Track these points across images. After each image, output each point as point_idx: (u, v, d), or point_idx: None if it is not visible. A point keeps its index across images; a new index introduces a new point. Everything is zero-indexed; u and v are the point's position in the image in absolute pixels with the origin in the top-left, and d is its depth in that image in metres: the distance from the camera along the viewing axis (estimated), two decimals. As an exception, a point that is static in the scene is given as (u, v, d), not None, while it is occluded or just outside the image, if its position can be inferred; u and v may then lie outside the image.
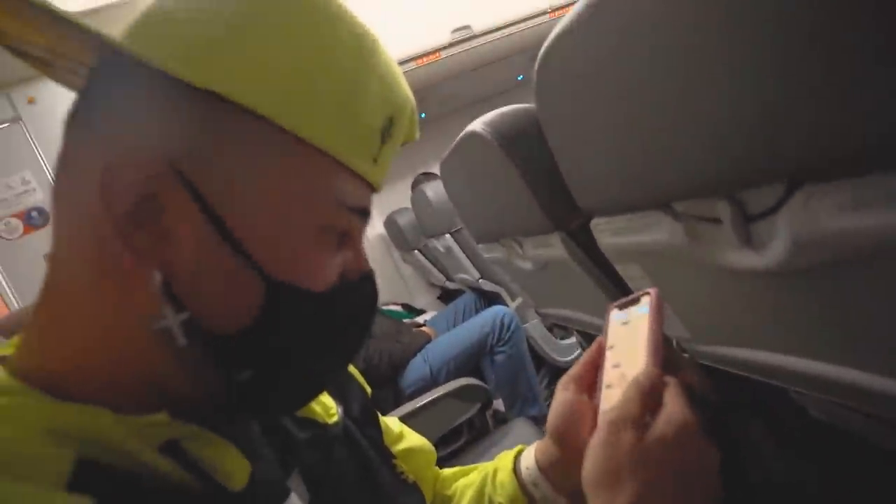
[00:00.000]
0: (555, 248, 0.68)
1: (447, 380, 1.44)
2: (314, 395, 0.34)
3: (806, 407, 0.58)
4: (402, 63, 2.15)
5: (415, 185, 2.69)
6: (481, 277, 1.84)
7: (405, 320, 2.11)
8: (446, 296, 2.95)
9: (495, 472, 0.48)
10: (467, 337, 1.60)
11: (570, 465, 0.38)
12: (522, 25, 2.25)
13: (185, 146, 0.25)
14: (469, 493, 0.49)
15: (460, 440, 1.24)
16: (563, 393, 0.38)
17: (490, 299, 1.97)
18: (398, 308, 2.60)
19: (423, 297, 3.14)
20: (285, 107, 0.25)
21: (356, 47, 0.28)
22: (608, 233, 0.54)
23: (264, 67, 0.25)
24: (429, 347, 1.62)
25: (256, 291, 0.26)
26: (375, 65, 0.29)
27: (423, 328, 1.87)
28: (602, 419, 0.32)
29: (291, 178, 0.26)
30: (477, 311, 1.91)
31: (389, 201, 2.91)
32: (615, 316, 0.40)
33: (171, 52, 0.24)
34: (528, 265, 0.84)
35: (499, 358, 1.60)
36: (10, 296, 1.79)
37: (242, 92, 0.24)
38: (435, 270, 2.49)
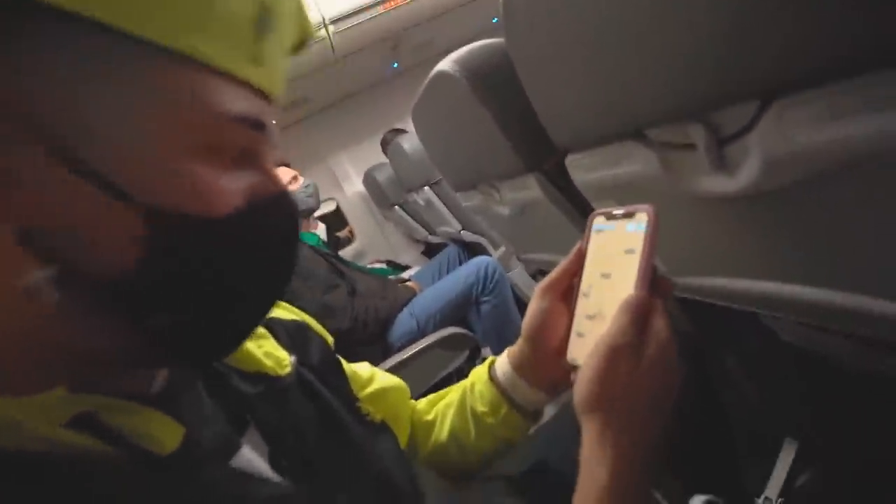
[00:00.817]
0: (531, 190, 0.66)
1: (434, 332, 1.46)
2: (241, 335, 0.31)
3: (777, 332, 0.59)
4: (368, 8, 2.04)
5: (384, 143, 2.61)
6: (463, 229, 1.83)
7: (390, 277, 2.11)
8: (430, 250, 2.95)
9: (472, 385, 0.49)
10: (452, 289, 1.61)
11: (545, 363, 0.42)
12: (494, -38, 2.13)
13: (19, 72, 0.21)
14: (451, 411, 0.50)
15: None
16: (540, 300, 0.39)
17: (473, 250, 1.97)
18: (382, 265, 2.60)
19: (407, 254, 3.13)
20: (130, 11, 0.22)
21: None
22: (583, 169, 0.53)
23: None
24: (414, 301, 1.63)
25: (135, 226, 0.23)
26: None
27: (409, 283, 1.87)
28: (600, 346, 0.32)
29: (152, 92, 0.23)
30: (461, 263, 1.92)
31: (368, 159, 2.85)
32: (599, 225, 0.39)
33: None
34: (506, 210, 0.83)
35: (484, 308, 1.62)
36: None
37: (82, 2, 0.21)
38: (417, 225, 2.48)
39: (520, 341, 0.44)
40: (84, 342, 0.25)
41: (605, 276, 0.36)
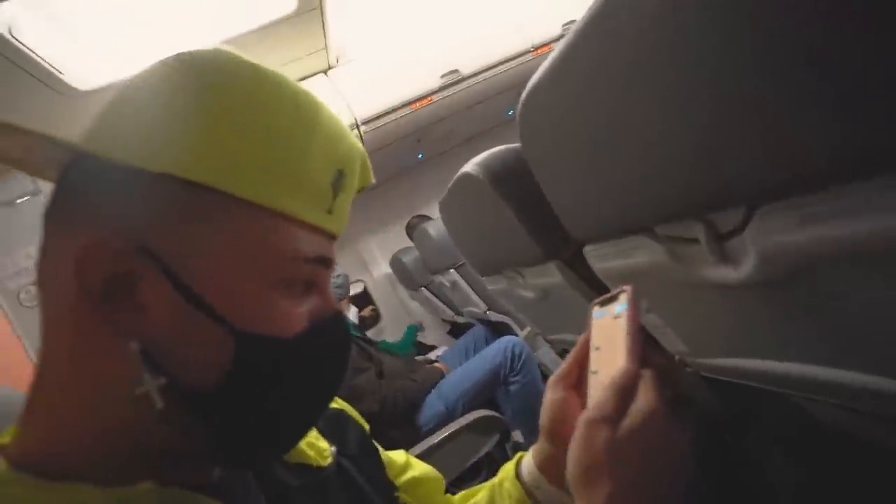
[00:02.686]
0: (553, 276, 0.71)
1: (463, 414, 1.44)
2: (298, 437, 0.35)
3: (814, 414, 0.59)
4: (397, 109, 2.25)
5: (409, 228, 2.74)
6: (489, 309, 1.86)
7: (417, 357, 2.11)
8: (456, 330, 2.95)
9: (500, 482, 0.49)
10: (479, 369, 1.60)
11: (565, 461, 0.40)
12: (508, 65, 2.37)
13: (149, 225, 0.28)
14: None
15: (481, 475, 1.23)
16: (552, 392, 0.40)
17: (499, 330, 1.98)
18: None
19: (433, 334, 3.14)
20: (234, 177, 0.28)
21: (296, 112, 0.31)
22: (600, 258, 0.58)
23: (211, 144, 0.28)
24: (442, 383, 1.62)
25: (227, 347, 0.28)
26: (317, 124, 0.31)
27: (436, 364, 1.87)
28: (579, 419, 0.33)
29: (249, 240, 0.29)
30: (487, 343, 1.92)
31: (395, 242, 2.97)
32: (596, 314, 0.41)
33: (127, 145, 0.28)
34: (530, 294, 0.86)
35: (513, 388, 1.60)
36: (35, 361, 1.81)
37: (193, 170, 0.27)
38: (443, 306, 2.51)
39: (540, 438, 0.44)
40: (172, 442, 0.30)
41: (606, 360, 0.38)
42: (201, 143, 0.28)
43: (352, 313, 2.40)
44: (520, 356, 1.61)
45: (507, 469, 0.50)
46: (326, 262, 0.33)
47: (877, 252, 0.28)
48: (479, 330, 2.16)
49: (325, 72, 2.21)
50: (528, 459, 0.47)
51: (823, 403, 0.55)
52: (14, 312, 1.84)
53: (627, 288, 0.38)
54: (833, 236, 0.29)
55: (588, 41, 0.38)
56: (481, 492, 0.52)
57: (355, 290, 3.06)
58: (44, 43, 1.31)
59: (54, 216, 0.30)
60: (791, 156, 0.29)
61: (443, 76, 2.28)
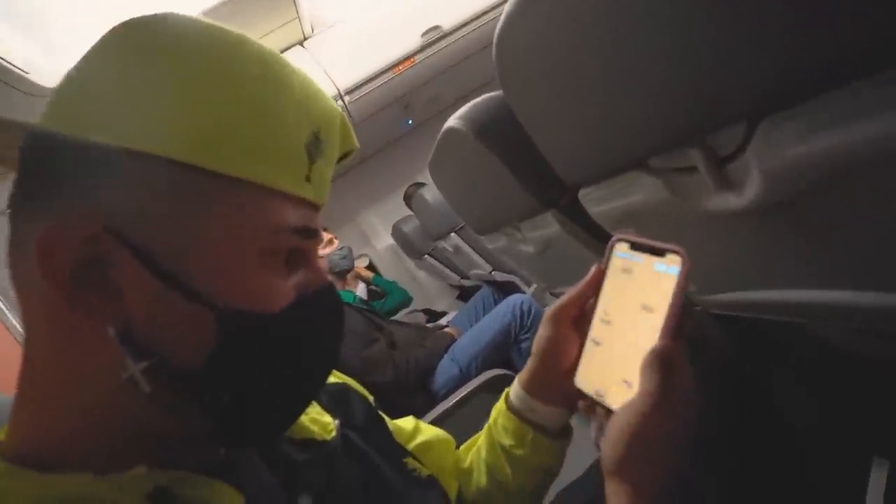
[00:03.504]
0: (551, 226, 0.68)
1: (477, 375, 1.45)
2: (298, 409, 0.34)
3: (827, 338, 0.57)
4: (379, 74, 2.17)
5: (406, 197, 2.70)
6: (494, 269, 1.85)
7: (427, 324, 2.12)
8: (464, 294, 2.96)
9: (495, 421, 0.49)
10: (490, 330, 1.60)
11: (557, 380, 0.41)
12: (491, 14, 2.26)
13: (114, 204, 0.26)
14: (483, 454, 0.50)
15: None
16: (551, 322, 0.40)
17: (506, 290, 1.97)
18: (418, 312, 2.61)
19: (442, 300, 3.15)
20: (202, 150, 0.26)
21: (263, 75, 0.28)
22: (596, 201, 0.55)
23: (173, 117, 0.26)
24: (454, 347, 1.63)
25: (209, 325, 0.27)
26: (287, 86, 0.29)
27: (447, 329, 1.88)
28: (630, 408, 0.32)
29: (223, 213, 0.27)
30: (495, 303, 1.92)
31: (395, 213, 2.94)
32: (622, 253, 0.37)
33: (86, 121, 0.26)
34: (530, 248, 0.84)
35: (525, 345, 1.60)
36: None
37: (156, 144, 0.26)
38: (448, 271, 2.51)
39: (529, 362, 0.43)
40: (166, 425, 0.29)
41: (627, 309, 0.35)
42: (161, 113, 0.26)
43: (360, 289, 2.40)
44: (529, 313, 1.61)
45: (498, 406, 0.49)
46: (310, 233, 0.32)
47: (893, 156, 0.25)
48: (486, 291, 2.15)
49: (301, 43, 2.13)
50: (515, 387, 0.46)
51: (839, 329, 0.53)
52: (18, 318, 1.85)
53: (682, 251, 0.33)
54: (845, 142, 0.26)
55: None
56: (481, 437, 0.52)
57: (361, 264, 3.06)
58: (5, 44, 1.26)
59: (18, 204, 0.28)
60: (794, 54, 0.26)
61: (423, 34, 2.18)
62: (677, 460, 0.31)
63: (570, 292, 0.40)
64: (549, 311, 0.40)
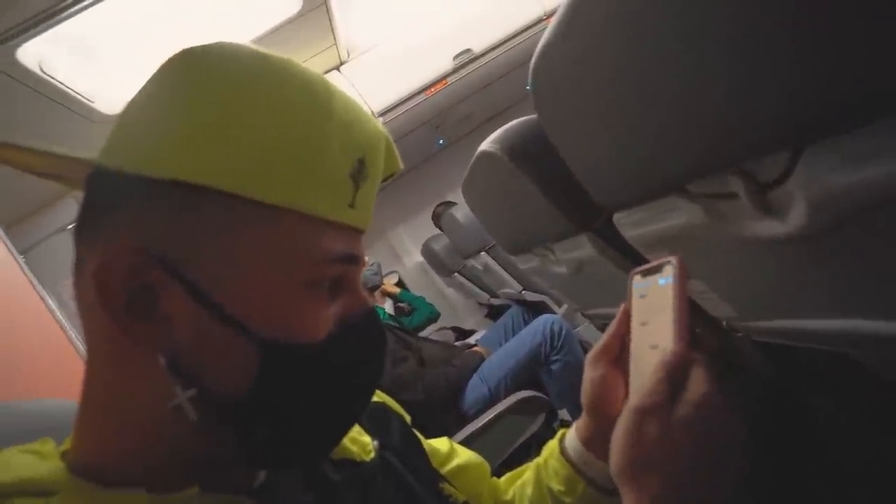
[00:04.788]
0: (584, 248, 0.68)
1: (506, 396, 1.44)
2: (338, 437, 0.34)
3: (879, 371, 0.54)
4: (411, 97, 2.23)
5: (435, 217, 2.73)
6: (524, 289, 1.84)
7: (456, 343, 2.11)
8: (493, 313, 2.94)
9: (545, 461, 0.48)
10: (519, 350, 1.58)
11: (610, 434, 0.38)
12: (522, 36, 2.29)
13: (164, 235, 0.27)
14: (528, 491, 0.49)
15: (529, 457, 1.22)
16: (592, 369, 0.38)
17: (537, 310, 1.95)
18: (447, 331, 2.61)
19: (471, 318, 3.14)
20: (247, 179, 0.27)
21: (308, 102, 0.29)
22: (631, 225, 0.55)
23: (221, 148, 0.26)
24: (483, 366, 1.62)
25: (252, 355, 0.27)
26: (331, 113, 0.29)
27: (476, 348, 1.87)
28: (626, 407, 0.31)
29: (268, 243, 0.28)
30: (525, 324, 1.90)
31: (425, 230, 2.97)
32: (637, 284, 0.38)
33: (136, 154, 0.27)
34: (563, 269, 0.84)
35: (555, 367, 1.58)
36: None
37: (205, 175, 0.26)
38: (478, 290, 2.50)
39: (583, 415, 0.42)
40: (212, 450, 0.30)
41: (648, 335, 0.35)
42: (206, 144, 0.26)
43: (388, 305, 2.43)
44: (559, 334, 1.59)
45: (552, 447, 0.48)
46: (354, 260, 0.32)
47: None
48: (516, 310, 2.14)
49: (337, 68, 2.21)
50: (571, 436, 0.46)
51: (887, 362, 0.51)
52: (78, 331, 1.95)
53: (673, 258, 0.35)
54: (886, 174, 0.25)
55: (590, 6, 0.35)
56: (527, 472, 0.51)
57: (391, 280, 3.09)
58: (72, 74, 1.36)
59: (80, 233, 0.29)
60: (842, 82, 0.26)
61: (455, 57, 2.23)
62: (707, 489, 0.29)
63: (604, 334, 0.39)
64: (590, 355, 0.39)
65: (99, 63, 1.44)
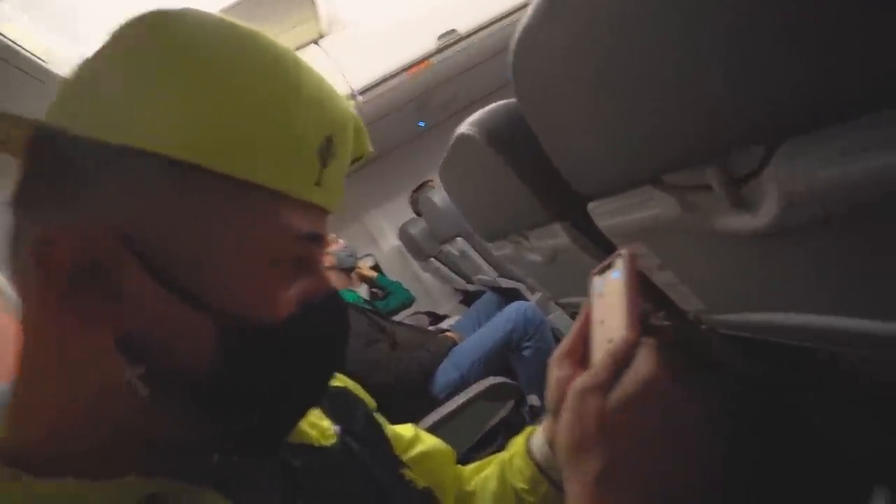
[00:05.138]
0: (559, 237, 0.67)
1: (477, 381, 1.45)
2: (299, 418, 0.34)
3: (848, 368, 0.56)
4: (392, 76, 2.18)
5: (412, 201, 2.71)
6: (499, 275, 1.84)
7: (430, 327, 2.11)
8: (468, 299, 2.95)
9: (511, 458, 0.48)
10: (492, 336, 1.59)
11: None
12: (507, 21, 2.26)
13: (118, 206, 0.25)
14: (491, 485, 0.49)
15: (497, 442, 1.24)
16: (557, 369, 0.37)
17: (511, 296, 1.97)
18: (422, 315, 2.61)
19: (446, 304, 3.15)
20: (209, 151, 0.25)
21: (275, 76, 0.28)
22: (606, 215, 0.54)
23: (181, 116, 0.25)
24: (455, 351, 1.62)
25: (212, 333, 0.26)
26: (299, 88, 0.28)
27: (449, 333, 1.87)
28: (571, 386, 0.31)
29: (231, 218, 0.27)
30: (499, 310, 1.91)
31: (402, 214, 2.94)
32: (596, 284, 0.39)
33: (94, 120, 0.25)
34: (537, 258, 0.84)
35: (526, 353, 1.59)
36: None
37: (164, 145, 0.25)
38: (454, 275, 2.50)
39: (548, 416, 0.42)
40: (165, 432, 0.28)
41: (605, 331, 0.36)
42: (168, 113, 0.25)
43: (363, 289, 2.40)
44: (532, 321, 1.60)
45: (517, 444, 0.48)
46: (318, 240, 0.31)
47: None
48: (490, 297, 2.15)
49: (316, 41, 2.14)
50: (538, 436, 0.45)
51: (852, 356, 0.52)
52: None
53: (623, 252, 0.36)
54: (867, 171, 0.25)
55: None
56: (490, 466, 0.51)
57: (366, 264, 3.06)
58: (24, 33, 1.27)
59: (20, 199, 0.27)
60: (818, 77, 0.25)
61: (440, 37, 2.19)
62: (655, 469, 0.28)
63: (568, 335, 0.39)
64: (554, 356, 0.38)
65: (56, 21, 1.36)
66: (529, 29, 0.43)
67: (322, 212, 0.31)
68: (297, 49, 2.10)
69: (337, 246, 1.93)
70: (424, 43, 2.18)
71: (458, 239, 1.83)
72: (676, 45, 0.30)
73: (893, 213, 0.28)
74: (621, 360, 0.30)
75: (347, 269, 2.06)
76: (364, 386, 0.51)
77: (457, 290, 2.98)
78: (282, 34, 1.94)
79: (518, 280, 1.72)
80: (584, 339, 0.38)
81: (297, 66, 0.29)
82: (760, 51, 0.26)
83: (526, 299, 1.69)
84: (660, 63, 0.33)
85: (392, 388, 1.45)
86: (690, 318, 0.59)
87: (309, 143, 0.29)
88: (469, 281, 2.36)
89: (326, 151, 0.30)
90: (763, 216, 0.34)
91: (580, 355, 0.38)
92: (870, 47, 0.23)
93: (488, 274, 1.87)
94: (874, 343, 0.38)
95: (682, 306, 0.58)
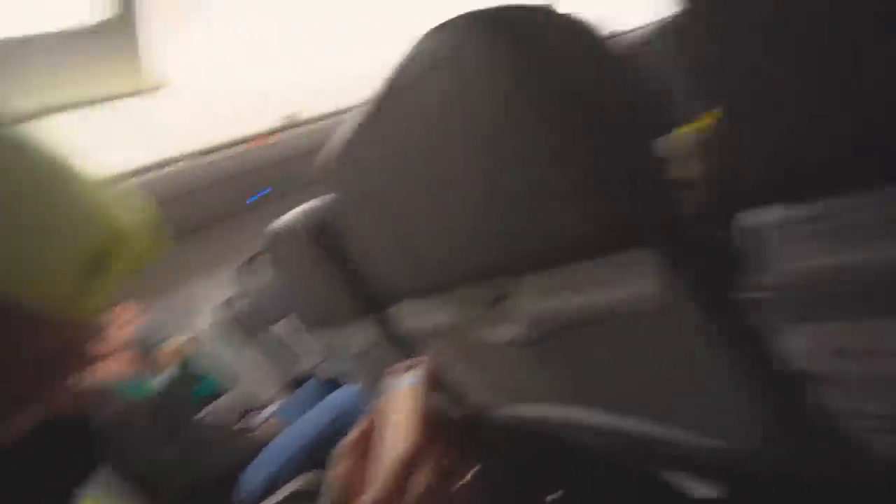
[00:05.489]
0: (371, 331, 0.71)
1: (295, 477, 1.33)
2: None
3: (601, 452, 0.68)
4: (230, 146, 2.10)
5: (241, 276, 2.55)
6: (325, 360, 1.79)
7: (250, 411, 1.90)
8: (294, 381, 2.76)
9: None
10: (310, 427, 1.50)
11: None
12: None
13: None
14: None
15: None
16: (341, 461, 0.38)
17: (335, 383, 1.91)
18: (240, 401, 2.33)
19: (269, 387, 2.88)
20: None
21: (37, 185, 0.26)
22: (409, 316, 0.60)
23: None
24: (272, 444, 1.48)
25: None
26: (70, 199, 0.27)
27: (270, 421, 1.71)
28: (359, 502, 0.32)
29: None
30: (324, 396, 1.83)
31: (226, 288, 2.70)
32: (390, 384, 0.42)
33: None
34: (355, 348, 0.85)
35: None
36: None
37: None
38: (279, 356, 2.34)
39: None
40: None
41: (394, 431, 0.38)
42: None
43: (170, 370, 2.08)
44: (357, 409, 1.56)
45: None
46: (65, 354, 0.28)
47: (618, 314, 0.34)
48: (315, 382, 2.05)
49: (142, 95, 1.97)
50: None
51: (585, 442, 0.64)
52: None
53: (424, 360, 0.39)
54: (561, 307, 0.34)
55: (389, 109, 0.40)
56: None
57: (178, 342, 2.68)
58: None
59: None
60: (546, 232, 0.33)
61: (281, 118, 2.21)
62: None
63: (353, 431, 0.41)
64: (338, 449, 0.40)
65: None
66: (340, 146, 0.48)
67: (76, 325, 0.28)
68: (118, 98, 1.91)
69: (138, 321, 1.66)
70: (265, 120, 2.18)
71: (286, 320, 1.75)
72: (449, 192, 0.38)
73: (586, 333, 0.38)
74: (404, 470, 0.32)
75: (151, 349, 1.78)
76: (159, 491, 0.44)
77: (283, 371, 2.77)
78: (96, 79, 1.75)
79: (342, 367, 1.69)
80: (369, 436, 0.39)
81: (70, 175, 0.27)
82: (498, 213, 0.35)
83: (351, 384, 1.66)
84: (436, 199, 0.40)
85: (193, 493, 1.24)
86: (479, 413, 0.66)
87: (73, 260, 0.26)
88: (295, 363, 2.23)
89: (94, 267, 0.28)
90: (509, 331, 0.43)
91: (364, 451, 0.39)
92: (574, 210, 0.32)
93: (314, 358, 1.80)
94: (593, 431, 0.47)
95: (473, 400, 0.65)
